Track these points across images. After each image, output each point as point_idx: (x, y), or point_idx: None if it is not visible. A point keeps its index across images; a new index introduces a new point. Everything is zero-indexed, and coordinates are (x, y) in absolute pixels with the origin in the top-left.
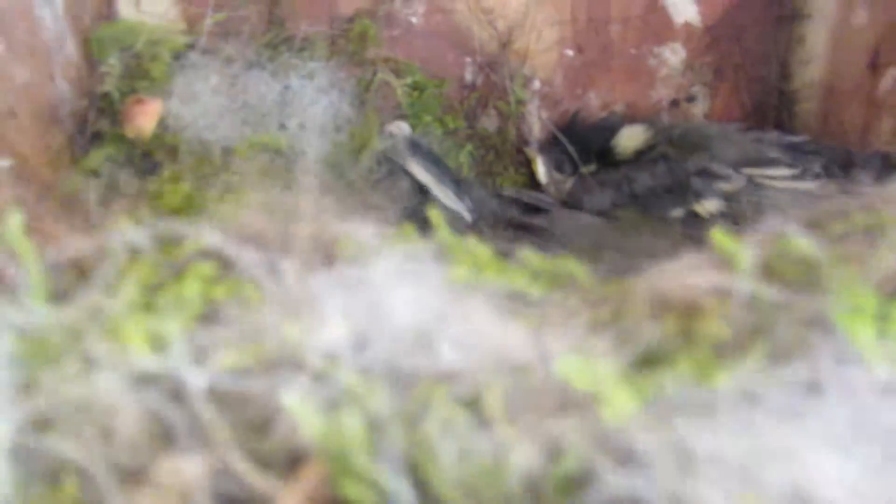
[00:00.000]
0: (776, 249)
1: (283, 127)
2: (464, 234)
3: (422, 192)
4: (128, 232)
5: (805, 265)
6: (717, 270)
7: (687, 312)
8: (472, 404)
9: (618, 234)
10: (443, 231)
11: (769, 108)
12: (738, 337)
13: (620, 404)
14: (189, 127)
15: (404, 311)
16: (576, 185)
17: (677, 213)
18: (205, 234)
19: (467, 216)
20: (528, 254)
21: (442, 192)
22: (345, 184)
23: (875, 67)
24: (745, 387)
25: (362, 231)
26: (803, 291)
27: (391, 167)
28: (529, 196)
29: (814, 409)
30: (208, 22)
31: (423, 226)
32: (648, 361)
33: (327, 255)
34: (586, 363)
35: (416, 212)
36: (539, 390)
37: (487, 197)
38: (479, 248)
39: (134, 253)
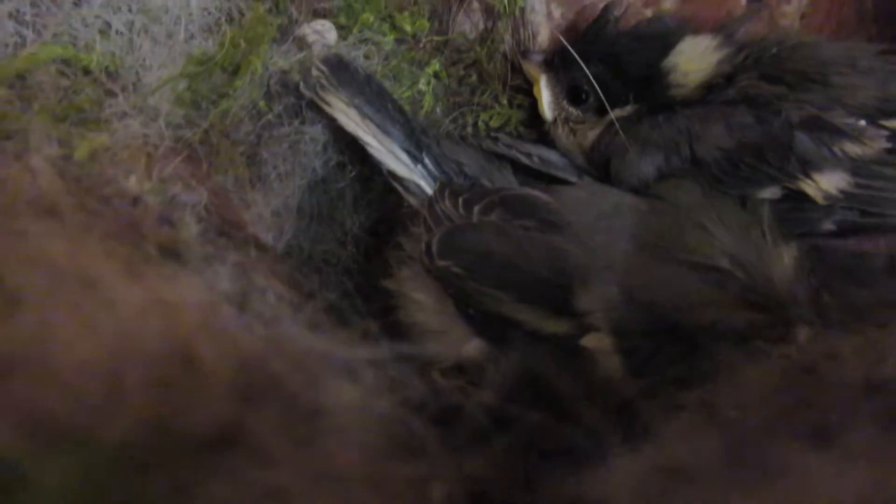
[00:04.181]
0: None
1: (103, 32)
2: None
3: (349, 147)
4: None
5: None
6: None
7: None
8: None
9: (665, 227)
10: None
11: None
12: None
13: None
14: None
15: None
16: (603, 136)
17: (770, 193)
18: None
19: (425, 186)
20: None
21: (384, 148)
22: (202, 132)
23: None
24: None
25: None
26: None
27: (296, 103)
28: (531, 154)
29: None
30: None
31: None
32: None
33: None
34: None
35: (326, 186)
36: None
37: (462, 153)
38: None
39: None
